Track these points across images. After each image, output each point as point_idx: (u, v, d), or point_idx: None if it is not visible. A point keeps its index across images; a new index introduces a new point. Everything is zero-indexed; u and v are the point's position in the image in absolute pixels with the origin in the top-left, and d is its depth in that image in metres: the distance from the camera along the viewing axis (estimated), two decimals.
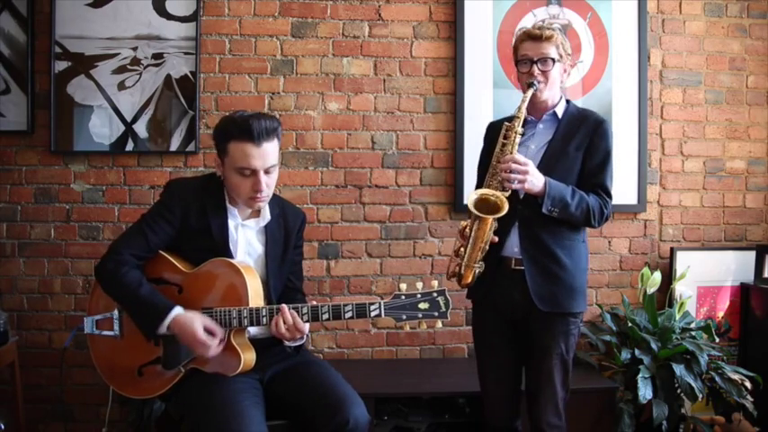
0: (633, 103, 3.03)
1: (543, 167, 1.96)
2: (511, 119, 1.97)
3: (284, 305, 1.83)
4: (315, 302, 1.88)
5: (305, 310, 1.85)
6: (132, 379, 1.93)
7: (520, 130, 1.95)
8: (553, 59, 1.97)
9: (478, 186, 2.15)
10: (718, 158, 3.13)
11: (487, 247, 1.93)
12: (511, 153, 1.92)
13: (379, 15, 2.95)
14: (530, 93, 1.96)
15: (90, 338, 1.99)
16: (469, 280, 1.94)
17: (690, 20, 3.09)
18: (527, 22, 2.96)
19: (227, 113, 1.98)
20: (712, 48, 3.11)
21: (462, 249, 1.94)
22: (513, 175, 1.88)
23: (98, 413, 2.79)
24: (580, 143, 2.00)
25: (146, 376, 1.92)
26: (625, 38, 3.02)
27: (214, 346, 1.81)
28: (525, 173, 1.87)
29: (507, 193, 1.89)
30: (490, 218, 1.87)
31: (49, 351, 2.83)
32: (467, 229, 1.93)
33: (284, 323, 1.81)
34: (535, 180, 1.89)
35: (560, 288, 1.97)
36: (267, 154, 1.86)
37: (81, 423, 2.85)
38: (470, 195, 1.90)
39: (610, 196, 2.01)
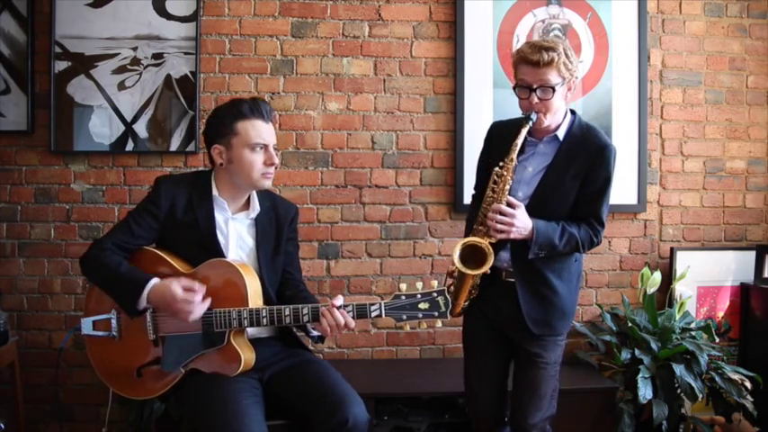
0: (633, 103, 3.02)
1: (539, 193, 1.94)
2: (501, 166, 1.89)
3: (334, 308, 1.82)
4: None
5: (305, 311, 1.85)
6: (131, 380, 1.93)
7: (511, 176, 1.89)
8: (553, 88, 1.83)
9: (477, 187, 2.16)
10: (718, 158, 3.13)
11: (479, 281, 1.96)
12: (500, 201, 1.87)
13: (379, 15, 2.95)
14: (525, 130, 1.86)
15: (87, 340, 1.98)
16: (459, 310, 1.97)
17: (690, 20, 3.09)
18: (527, 22, 2.96)
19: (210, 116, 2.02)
20: (712, 48, 3.11)
21: (452, 287, 1.95)
22: (498, 226, 1.85)
23: (98, 413, 2.79)
24: (578, 171, 1.91)
25: (145, 377, 1.92)
26: (625, 38, 3.02)
27: (197, 303, 1.80)
28: (511, 225, 1.84)
29: (494, 240, 1.88)
30: (472, 275, 1.89)
31: (48, 351, 2.82)
32: (455, 272, 1.94)
33: (336, 324, 1.82)
34: (521, 229, 1.85)
35: (553, 312, 1.96)
36: (273, 132, 1.98)
37: (81, 423, 2.85)
38: (455, 248, 1.88)
39: (602, 225, 1.96)
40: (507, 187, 1.89)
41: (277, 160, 1.97)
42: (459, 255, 1.87)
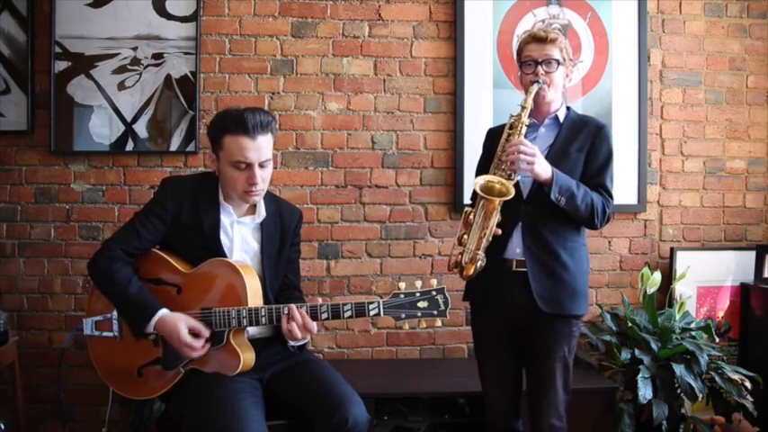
0: (633, 103, 3.02)
1: None
2: (517, 111, 1.97)
3: (293, 305, 1.83)
4: (314, 302, 1.87)
5: (304, 310, 1.84)
6: (132, 380, 1.93)
7: (526, 120, 1.95)
8: (558, 61, 1.98)
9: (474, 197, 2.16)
10: (718, 158, 3.13)
11: (491, 238, 1.90)
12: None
13: (379, 15, 2.95)
14: (535, 87, 1.96)
15: (89, 339, 1.99)
16: (471, 272, 1.91)
17: (690, 20, 3.09)
18: (527, 22, 2.96)
19: (209, 122, 1.98)
20: (712, 48, 3.11)
21: (466, 236, 1.92)
22: (522, 156, 1.86)
23: (98, 413, 2.79)
24: (582, 145, 2.01)
25: (145, 377, 1.92)
26: (625, 38, 3.02)
27: (199, 347, 1.82)
28: (534, 155, 1.87)
29: (513, 181, 1.89)
30: (497, 200, 1.86)
31: (48, 351, 2.83)
32: (471, 216, 1.91)
33: (295, 323, 1.81)
34: (544, 165, 1.89)
35: (563, 289, 1.97)
36: (262, 147, 1.88)
37: (81, 423, 2.85)
38: (477, 180, 1.89)
39: (611, 197, 2.01)
40: (524, 130, 1.95)
41: (260, 179, 1.88)
42: (481, 186, 1.87)
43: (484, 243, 1.90)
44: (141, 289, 1.86)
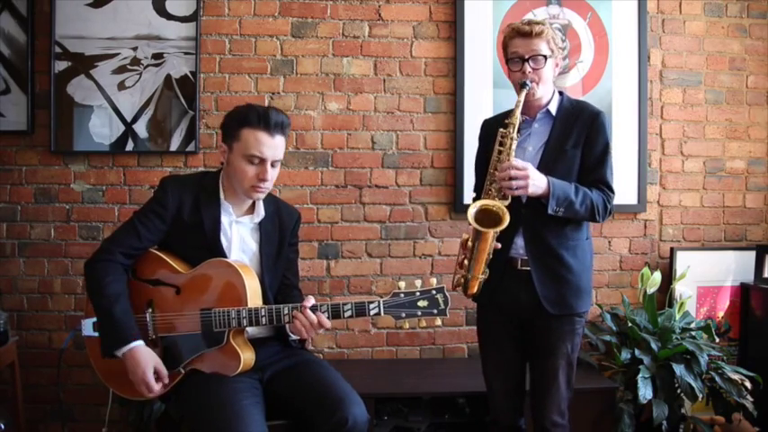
0: (633, 103, 3.03)
1: (542, 169, 1.94)
2: (506, 125, 1.92)
3: (306, 310, 1.82)
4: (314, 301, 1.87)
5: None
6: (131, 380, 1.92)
7: (515, 136, 1.90)
8: (545, 56, 1.92)
9: (477, 189, 2.16)
10: (718, 158, 3.13)
11: (491, 256, 1.90)
12: (508, 160, 1.88)
13: (379, 15, 2.96)
14: (523, 94, 1.91)
15: (88, 340, 1.98)
16: (475, 290, 1.92)
17: (690, 20, 3.09)
18: None
19: (228, 112, 1.99)
20: (712, 48, 3.11)
21: (466, 261, 1.92)
22: (514, 182, 1.83)
23: (98, 413, 2.79)
24: (577, 140, 1.96)
25: None
26: (625, 38, 3.02)
27: (156, 391, 1.83)
28: (526, 178, 1.83)
29: (507, 202, 1.87)
30: (491, 232, 1.84)
31: (48, 351, 2.83)
32: (469, 242, 1.91)
33: (311, 324, 1.82)
34: (537, 182, 1.85)
35: (568, 290, 1.96)
36: (277, 146, 1.92)
37: (81, 423, 2.85)
38: (470, 209, 1.87)
39: (612, 190, 1.98)
40: (514, 146, 1.90)
41: (270, 177, 1.90)
42: (474, 216, 1.85)
43: (484, 266, 1.90)
44: (126, 311, 1.84)
